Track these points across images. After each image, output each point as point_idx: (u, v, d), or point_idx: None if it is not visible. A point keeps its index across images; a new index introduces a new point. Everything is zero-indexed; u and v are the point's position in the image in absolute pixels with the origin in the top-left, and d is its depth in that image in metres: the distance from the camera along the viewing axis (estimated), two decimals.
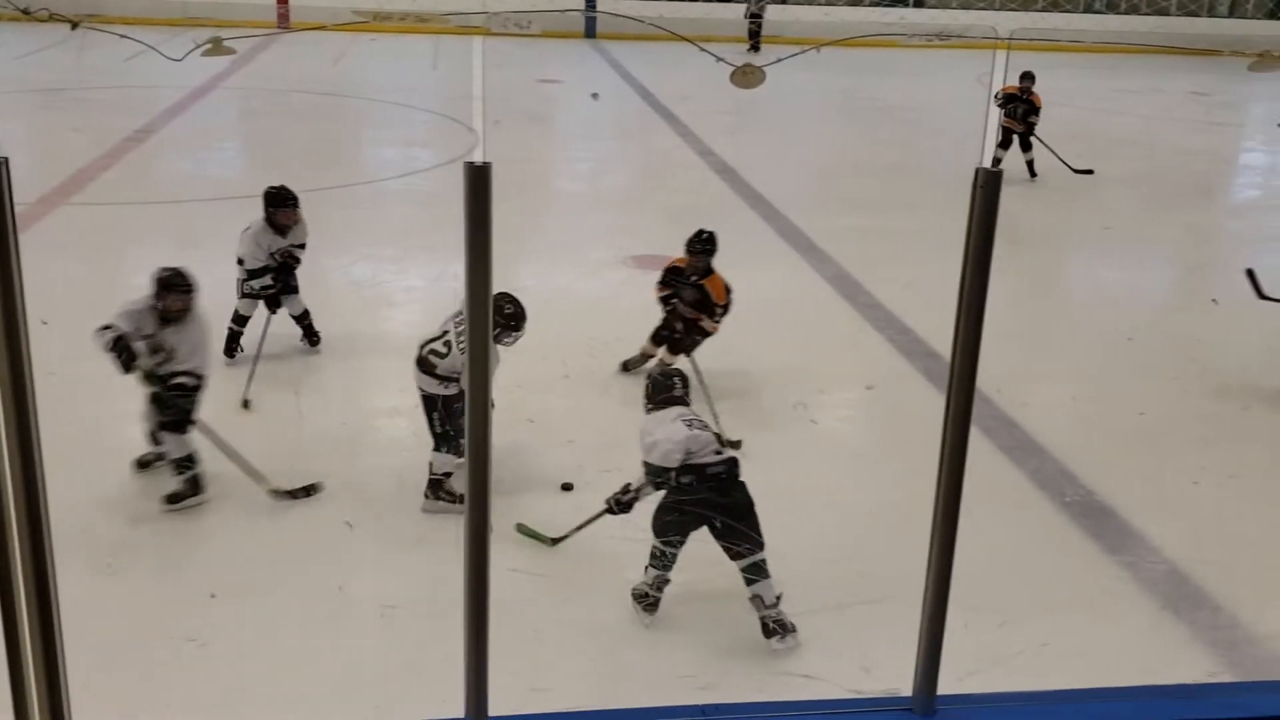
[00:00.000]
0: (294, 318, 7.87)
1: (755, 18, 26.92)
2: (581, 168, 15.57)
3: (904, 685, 2.91)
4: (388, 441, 6.82)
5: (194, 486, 5.88)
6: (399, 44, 24.40)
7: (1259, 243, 12.58)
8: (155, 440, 6.10)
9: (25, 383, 2.33)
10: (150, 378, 5.82)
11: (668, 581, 5.03)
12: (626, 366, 7.60)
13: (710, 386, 7.01)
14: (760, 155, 15.96)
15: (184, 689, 4.60)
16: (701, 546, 5.06)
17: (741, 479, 5.00)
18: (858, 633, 5.03)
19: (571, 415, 7.06)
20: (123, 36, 3.38)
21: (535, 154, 15.27)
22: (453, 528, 5.65)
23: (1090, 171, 13.78)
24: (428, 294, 9.36)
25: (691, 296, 7.10)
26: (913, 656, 2.87)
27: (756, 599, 4.94)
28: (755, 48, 26.14)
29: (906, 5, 29.37)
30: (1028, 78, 13.54)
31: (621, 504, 5.24)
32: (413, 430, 6.58)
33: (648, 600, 5.05)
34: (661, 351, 7.37)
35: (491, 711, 2.72)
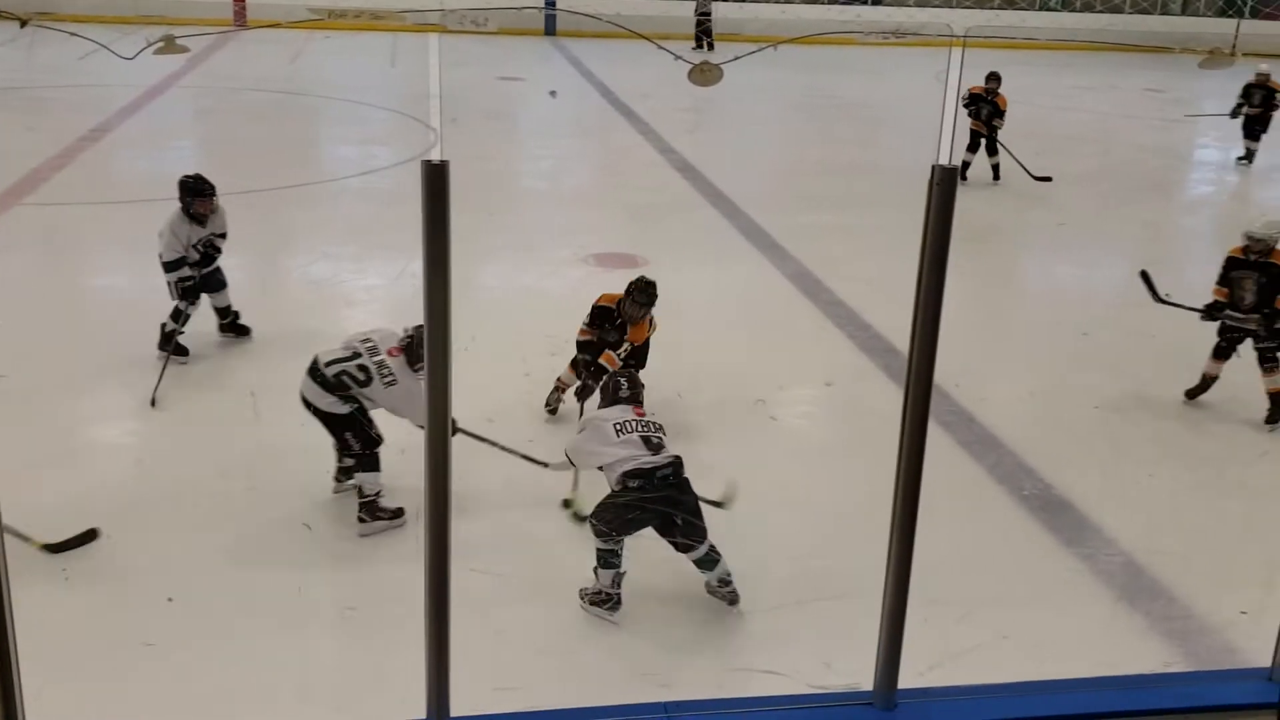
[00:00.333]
0: (217, 310, 7.82)
1: (704, 15, 26.76)
2: (542, 166, 15.54)
3: (865, 680, 2.92)
4: None
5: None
6: (357, 41, 24.25)
7: (1212, 238, 12.73)
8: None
9: None
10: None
11: (623, 574, 5.06)
12: (550, 408, 7.08)
13: (670, 386, 7.02)
14: (721, 153, 15.99)
15: (141, 695, 4.55)
16: (660, 545, 5.08)
17: (685, 476, 5.07)
18: (819, 628, 5.05)
19: (533, 413, 7.05)
20: (73, 34, 3.35)
21: (495, 152, 15.23)
22: (412, 527, 5.64)
23: (1049, 179, 13.78)
24: (388, 293, 9.32)
25: (614, 339, 6.84)
26: (873, 651, 2.89)
27: (720, 582, 5.10)
28: (709, 46, 25.97)
29: (864, 3, 29.49)
30: (994, 78, 13.45)
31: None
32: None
33: (610, 600, 5.06)
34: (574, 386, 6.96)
35: (453, 712, 2.70)
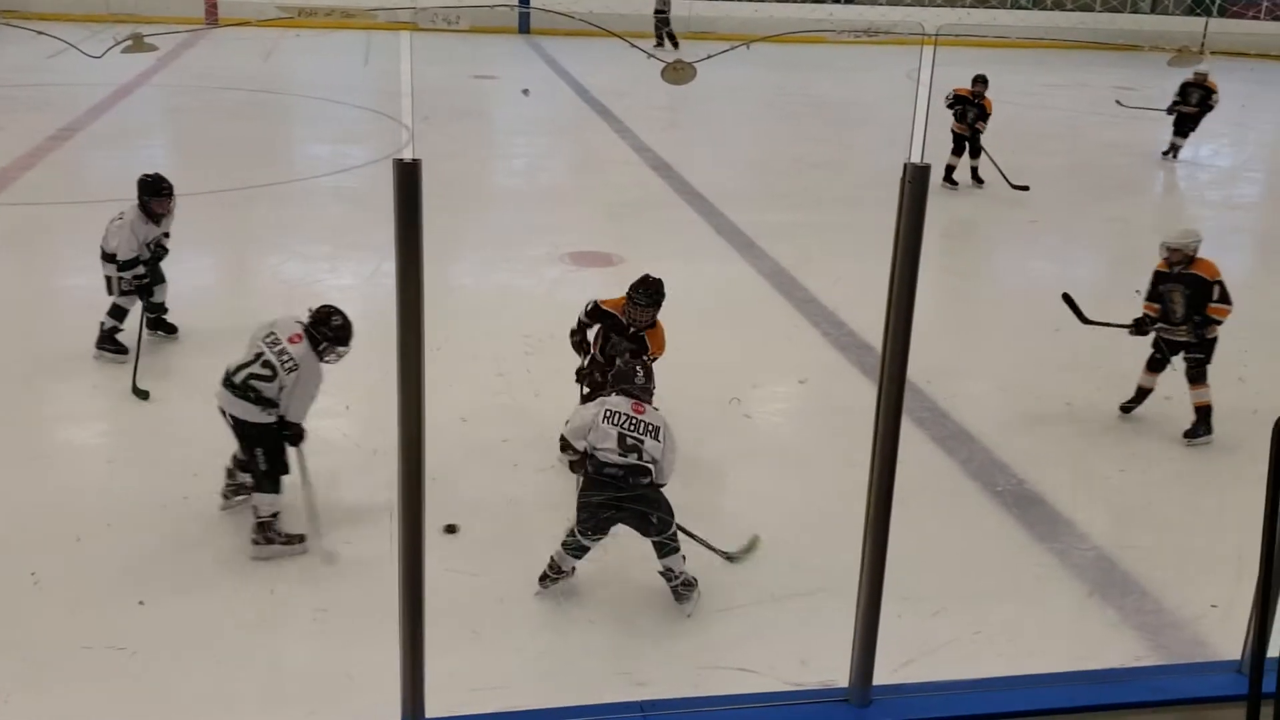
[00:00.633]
0: (154, 304, 7.82)
1: (661, 13, 26.56)
2: (516, 164, 15.51)
3: (840, 677, 2.93)
4: (317, 443, 6.71)
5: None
6: (330, 40, 24.14)
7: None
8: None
9: None
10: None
11: (568, 574, 5.14)
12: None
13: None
14: (696, 151, 16.01)
15: (112, 698, 4.52)
16: (634, 544, 5.09)
17: (646, 482, 5.05)
18: (794, 625, 5.07)
19: (506, 413, 7.03)
20: (40, 33, 3.32)
21: (469, 150, 15.19)
22: (385, 527, 5.61)
23: (1026, 188, 13.62)
24: (362, 292, 9.27)
25: (626, 349, 6.17)
26: (848, 648, 2.90)
27: (667, 571, 5.13)
28: (673, 44, 25.65)
29: (836, 2, 29.53)
30: (981, 81, 13.37)
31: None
32: (343, 431, 6.54)
33: (552, 578, 5.16)
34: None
35: (429, 713, 2.70)
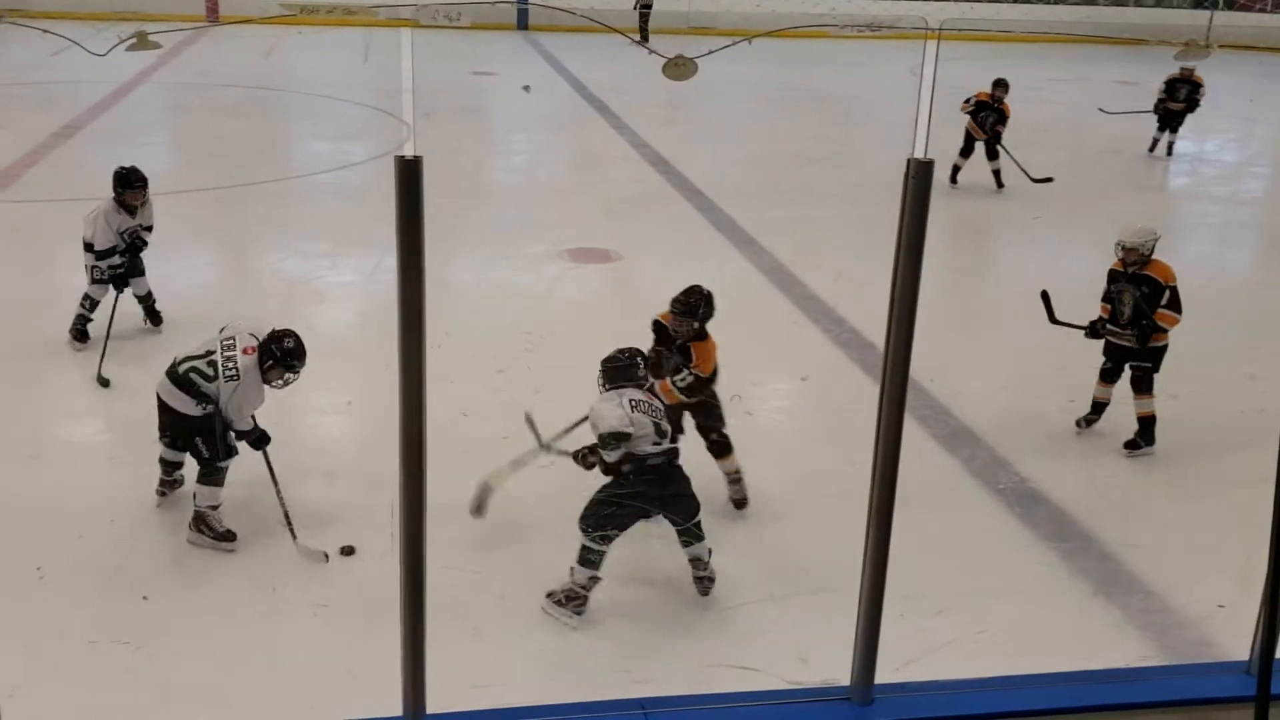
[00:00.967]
0: (138, 298, 7.97)
1: (645, 8, 26.47)
2: (516, 161, 15.50)
3: (841, 675, 2.92)
4: (318, 440, 6.74)
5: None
6: (330, 37, 24.12)
7: (1183, 231, 12.81)
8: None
9: None
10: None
11: (599, 580, 5.04)
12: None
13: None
14: (695, 147, 15.98)
15: (116, 692, 4.52)
16: (633, 543, 5.07)
17: (679, 464, 5.09)
18: (794, 624, 5.05)
19: (507, 410, 7.00)
20: (45, 31, 3.31)
21: (468, 147, 15.18)
22: (386, 524, 5.60)
23: (1050, 180, 13.37)
24: (362, 289, 9.27)
25: (675, 362, 5.82)
26: (850, 647, 2.88)
27: (696, 560, 5.18)
28: (645, 39, 25.60)
29: None
30: (1001, 86, 13.17)
31: (586, 460, 5.14)
32: (343, 429, 6.53)
33: (578, 600, 5.03)
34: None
35: (429, 709, 2.69)
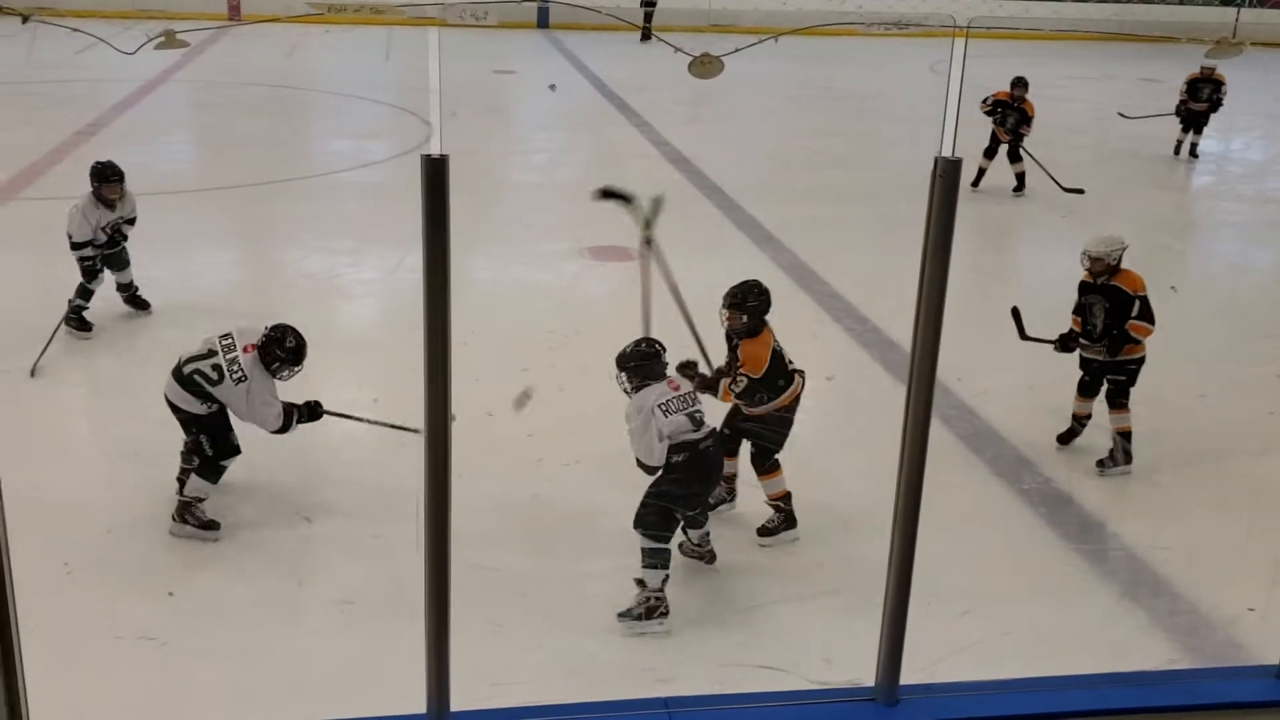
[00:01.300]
0: (121, 286, 8.17)
1: (649, 5, 26.25)
2: (536, 159, 15.50)
3: (866, 676, 2.90)
4: (342, 436, 6.74)
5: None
6: (352, 36, 24.17)
7: (1211, 229, 12.72)
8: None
9: None
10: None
11: (669, 577, 5.03)
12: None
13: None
14: (716, 145, 15.95)
15: (142, 687, 4.55)
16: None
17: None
18: (819, 624, 5.04)
19: (532, 408, 7.00)
20: (74, 30, 3.32)
21: (490, 145, 15.18)
22: (411, 521, 5.60)
23: (1081, 191, 12.94)
24: (384, 287, 9.29)
25: (729, 361, 5.71)
26: (874, 647, 2.86)
27: (704, 538, 5.43)
28: (647, 37, 25.33)
29: None
30: (1020, 84, 12.84)
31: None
32: (366, 426, 6.52)
33: (660, 607, 4.98)
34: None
35: (453, 707, 2.68)
